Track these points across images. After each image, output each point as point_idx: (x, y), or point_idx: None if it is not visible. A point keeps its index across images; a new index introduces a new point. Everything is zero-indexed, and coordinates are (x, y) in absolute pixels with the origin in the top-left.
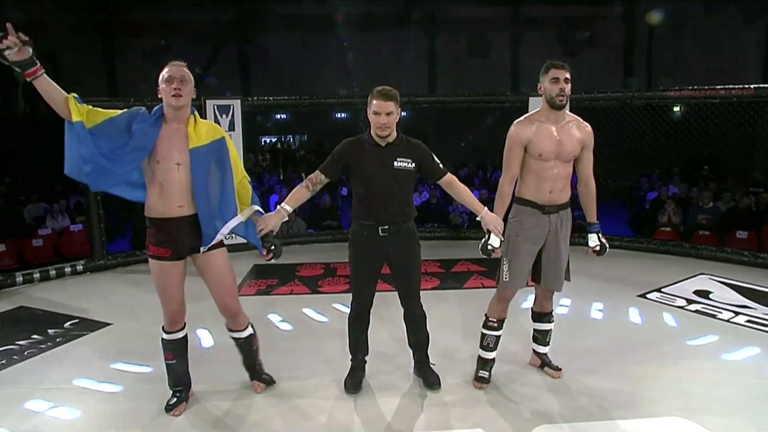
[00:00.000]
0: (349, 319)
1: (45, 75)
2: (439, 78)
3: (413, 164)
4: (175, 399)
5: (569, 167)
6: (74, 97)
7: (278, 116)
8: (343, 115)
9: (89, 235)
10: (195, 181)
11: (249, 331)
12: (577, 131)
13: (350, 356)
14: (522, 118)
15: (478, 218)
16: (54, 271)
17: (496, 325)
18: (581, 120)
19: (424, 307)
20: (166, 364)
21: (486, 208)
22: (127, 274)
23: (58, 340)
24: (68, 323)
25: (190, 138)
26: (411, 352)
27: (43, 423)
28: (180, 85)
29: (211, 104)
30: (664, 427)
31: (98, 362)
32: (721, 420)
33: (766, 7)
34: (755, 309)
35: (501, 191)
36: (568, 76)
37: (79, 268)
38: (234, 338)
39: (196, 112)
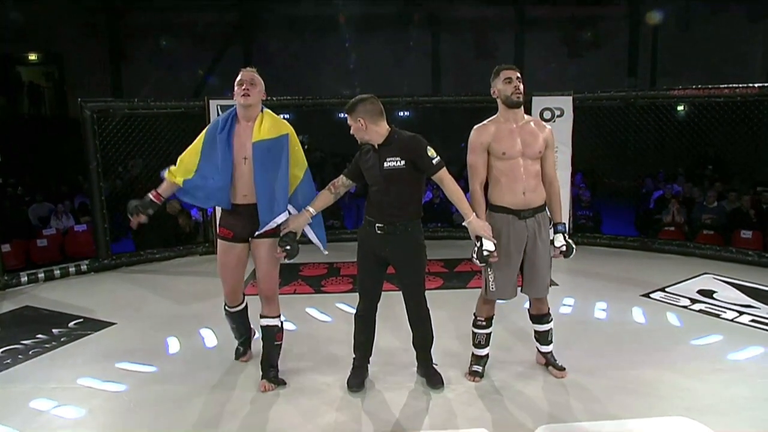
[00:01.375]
0: (354, 318)
1: (158, 192)
2: (442, 78)
3: (403, 162)
4: (241, 348)
5: (537, 165)
6: (170, 169)
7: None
8: (345, 115)
9: (94, 235)
10: (255, 173)
11: (276, 322)
12: (539, 130)
13: (354, 355)
14: (483, 122)
15: (464, 223)
16: (58, 271)
17: (484, 323)
18: (540, 120)
19: (429, 308)
20: (229, 325)
21: (474, 213)
22: (132, 274)
23: (62, 339)
24: (73, 323)
25: (254, 133)
26: (414, 351)
27: (48, 422)
28: (249, 87)
29: (214, 104)
30: (668, 427)
31: (103, 362)
32: (726, 420)
33: None
34: (759, 309)
35: (474, 195)
36: (519, 75)
37: (84, 268)
38: (262, 326)
39: (266, 110)
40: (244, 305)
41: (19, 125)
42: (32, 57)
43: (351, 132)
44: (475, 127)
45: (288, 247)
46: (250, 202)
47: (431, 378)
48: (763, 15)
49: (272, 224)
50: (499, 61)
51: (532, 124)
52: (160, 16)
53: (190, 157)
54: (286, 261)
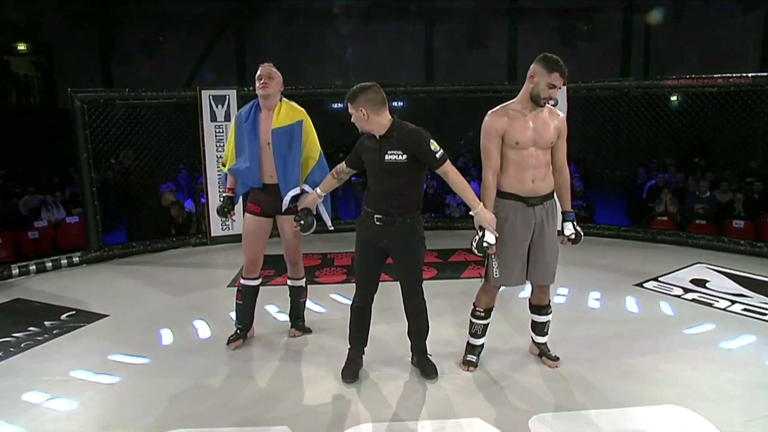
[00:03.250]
0: (350, 308)
1: (228, 187)
2: (436, 69)
3: (405, 156)
4: (235, 335)
5: (548, 155)
6: (222, 162)
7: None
8: (339, 105)
9: (85, 226)
10: (274, 156)
11: (302, 283)
12: (552, 119)
13: (348, 346)
14: (496, 108)
15: (471, 213)
16: (50, 263)
17: (483, 314)
18: (554, 108)
19: (425, 300)
20: (236, 303)
21: (482, 204)
22: (124, 265)
23: (55, 332)
24: (65, 315)
25: (273, 121)
26: (409, 341)
27: (41, 414)
28: (267, 80)
29: (206, 94)
30: (661, 415)
31: (95, 354)
32: (718, 407)
33: None
34: (751, 298)
35: (486, 183)
36: (563, 84)
37: (76, 260)
38: (289, 285)
39: (284, 100)
40: (258, 282)
41: (7, 116)
42: (21, 47)
43: (352, 120)
44: (490, 112)
45: (302, 222)
46: (274, 182)
47: (425, 368)
48: (756, 5)
49: (288, 197)
50: (491, 51)
51: (545, 112)
52: (151, 5)
53: (229, 147)
54: (303, 234)
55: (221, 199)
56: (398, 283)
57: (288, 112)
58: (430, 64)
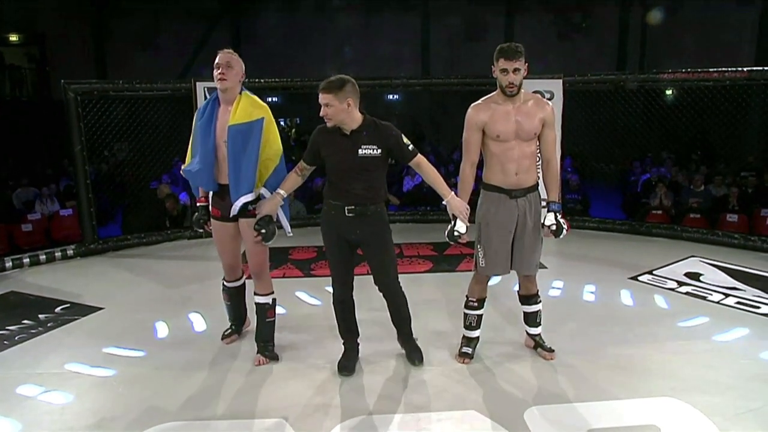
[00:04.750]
0: (333, 303)
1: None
2: (432, 62)
3: (379, 150)
4: (230, 330)
5: (532, 146)
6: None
7: (271, 99)
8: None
9: (80, 219)
10: (228, 155)
11: (268, 300)
12: (537, 109)
13: (342, 339)
14: (480, 100)
15: (443, 202)
16: (44, 256)
17: (476, 304)
18: (541, 98)
19: (403, 288)
20: (224, 303)
21: (453, 192)
22: (119, 258)
23: (49, 325)
24: (59, 308)
25: (230, 116)
26: (394, 329)
27: (36, 407)
28: (225, 70)
29: (201, 86)
30: (655, 407)
31: (90, 347)
32: (711, 399)
33: None
34: (745, 291)
35: (463, 175)
36: (517, 66)
37: (70, 252)
38: (255, 302)
39: (245, 92)
40: (241, 282)
41: (1, 108)
42: (13, 37)
43: (327, 113)
44: (473, 105)
45: (263, 231)
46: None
47: (411, 353)
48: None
49: (237, 204)
50: (488, 44)
51: (530, 103)
52: None
53: (190, 145)
54: (264, 244)
55: (196, 210)
56: (372, 273)
57: (247, 108)
58: (426, 58)
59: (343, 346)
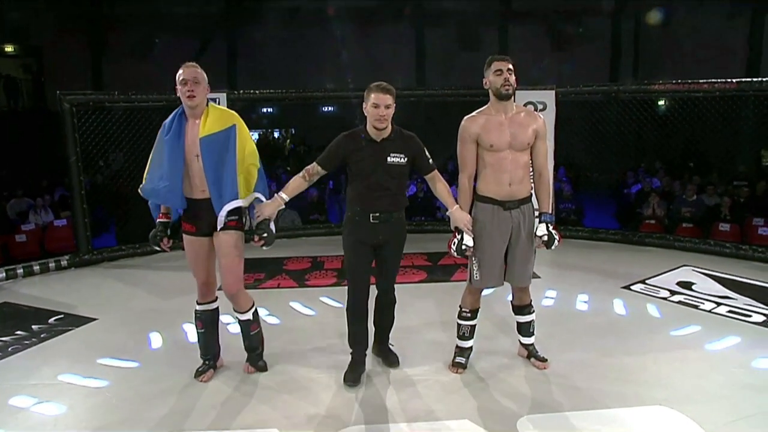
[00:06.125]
0: (347, 310)
1: (161, 212)
2: (428, 72)
3: (406, 159)
4: (204, 366)
5: (526, 156)
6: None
7: (266, 110)
8: (330, 108)
9: (74, 229)
10: (205, 167)
11: (248, 316)
12: (530, 120)
13: (350, 349)
14: (473, 113)
15: (447, 213)
16: (38, 267)
17: (469, 315)
18: (533, 110)
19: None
20: (197, 332)
21: (457, 205)
22: (113, 269)
23: (42, 335)
24: (53, 319)
25: (201, 129)
26: (374, 330)
27: (29, 418)
28: (193, 86)
29: None
30: (647, 416)
31: (84, 358)
32: (703, 408)
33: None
34: (736, 299)
35: (461, 188)
36: (510, 67)
37: (64, 263)
38: (237, 319)
39: (211, 104)
40: (215, 306)
41: None
42: (9, 49)
43: (386, 115)
44: (466, 117)
45: (265, 235)
46: (206, 196)
47: (389, 357)
48: (741, 10)
49: (224, 212)
50: (483, 54)
51: (522, 114)
52: (141, 7)
53: (149, 163)
54: (264, 248)
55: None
56: (377, 278)
57: (218, 118)
58: (422, 67)
59: (351, 356)
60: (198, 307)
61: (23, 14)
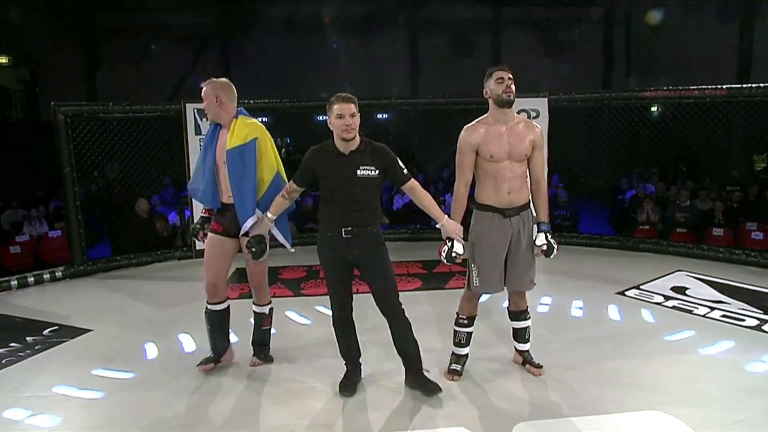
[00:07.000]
0: (333, 324)
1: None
2: (421, 80)
3: (377, 171)
4: (206, 359)
5: (524, 166)
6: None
7: (260, 120)
8: (325, 117)
9: (69, 240)
10: (229, 177)
11: (265, 310)
12: (528, 131)
13: (344, 360)
14: (472, 123)
15: (437, 225)
16: (32, 278)
17: (466, 322)
18: (530, 121)
19: (405, 312)
20: (206, 329)
21: (446, 216)
22: (108, 279)
23: (37, 347)
24: (48, 330)
25: (228, 141)
26: (400, 359)
27: (24, 431)
28: (203, 105)
29: (191, 108)
30: (642, 421)
31: (79, 369)
32: (698, 412)
33: (741, 7)
34: (730, 304)
35: (456, 196)
36: (510, 76)
37: (59, 274)
38: (254, 311)
39: (241, 116)
40: (225, 306)
41: None
42: (2, 59)
43: (352, 124)
44: (465, 127)
45: (254, 249)
46: (233, 201)
47: (426, 385)
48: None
49: (245, 226)
50: (476, 62)
51: (521, 125)
52: (136, 18)
53: (195, 164)
54: (257, 261)
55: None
56: (374, 298)
57: (242, 131)
58: (415, 75)
59: (346, 367)
60: (208, 306)
61: (16, 24)
